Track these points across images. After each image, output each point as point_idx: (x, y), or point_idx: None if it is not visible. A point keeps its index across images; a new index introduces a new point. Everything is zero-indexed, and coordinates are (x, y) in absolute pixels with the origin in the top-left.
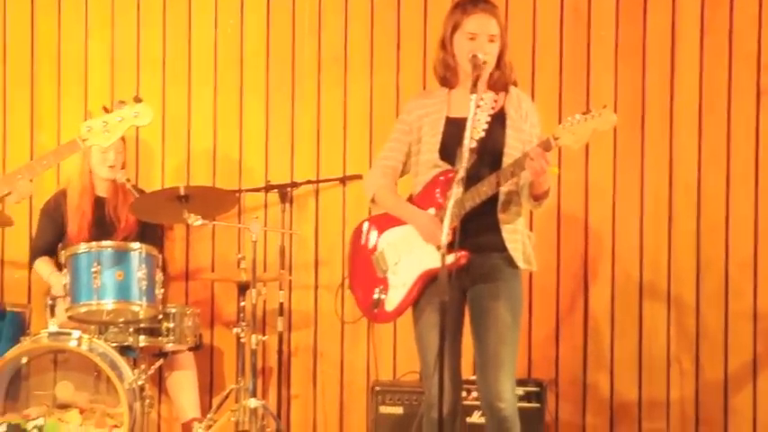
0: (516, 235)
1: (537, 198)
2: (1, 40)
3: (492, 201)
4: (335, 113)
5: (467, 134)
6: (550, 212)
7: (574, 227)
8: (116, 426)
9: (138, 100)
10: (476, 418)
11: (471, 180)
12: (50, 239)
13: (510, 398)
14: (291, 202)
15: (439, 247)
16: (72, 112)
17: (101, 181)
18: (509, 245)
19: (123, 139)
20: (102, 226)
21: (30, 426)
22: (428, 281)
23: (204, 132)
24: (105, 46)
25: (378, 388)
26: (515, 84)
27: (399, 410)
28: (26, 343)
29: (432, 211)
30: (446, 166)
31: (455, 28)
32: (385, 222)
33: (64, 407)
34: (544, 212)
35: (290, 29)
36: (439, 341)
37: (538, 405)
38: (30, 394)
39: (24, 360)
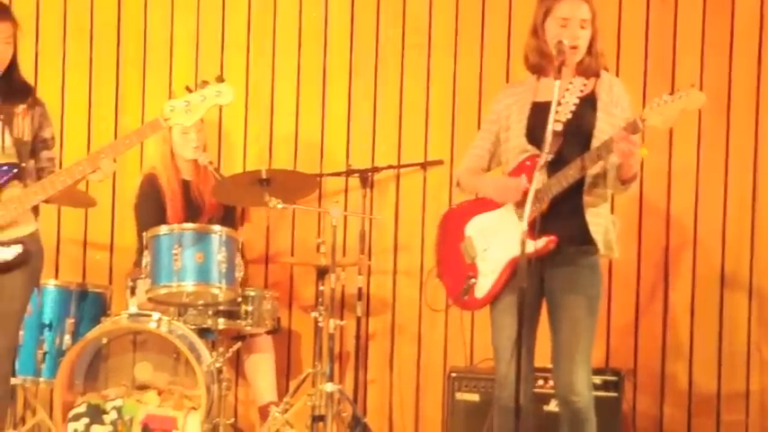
0: (600, 218)
1: (624, 182)
2: (87, 21)
3: (577, 185)
4: (418, 99)
5: (550, 119)
6: (632, 201)
7: (655, 216)
8: (194, 407)
9: (220, 79)
10: (553, 406)
11: (559, 163)
12: (157, 222)
13: (583, 390)
14: (372, 187)
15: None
16: (156, 96)
17: (185, 162)
18: (592, 228)
19: (201, 119)
20: (191, 208)
21: (108, 406)
22: (517, 267)
23: (287, 116)
24: (190, 29)
25: (454, 374)
26: (606, 69)
27: (476, 398)
28: (106, 324)
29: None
30: (534, 151)
31: (546, 14)
32: (473, 209)
33: (142, 388)
34: (626, 201)
35: (375, 13)
36: (517, 328)
37: (615, 395)
38: (109, 375)
39: (104, 341)
